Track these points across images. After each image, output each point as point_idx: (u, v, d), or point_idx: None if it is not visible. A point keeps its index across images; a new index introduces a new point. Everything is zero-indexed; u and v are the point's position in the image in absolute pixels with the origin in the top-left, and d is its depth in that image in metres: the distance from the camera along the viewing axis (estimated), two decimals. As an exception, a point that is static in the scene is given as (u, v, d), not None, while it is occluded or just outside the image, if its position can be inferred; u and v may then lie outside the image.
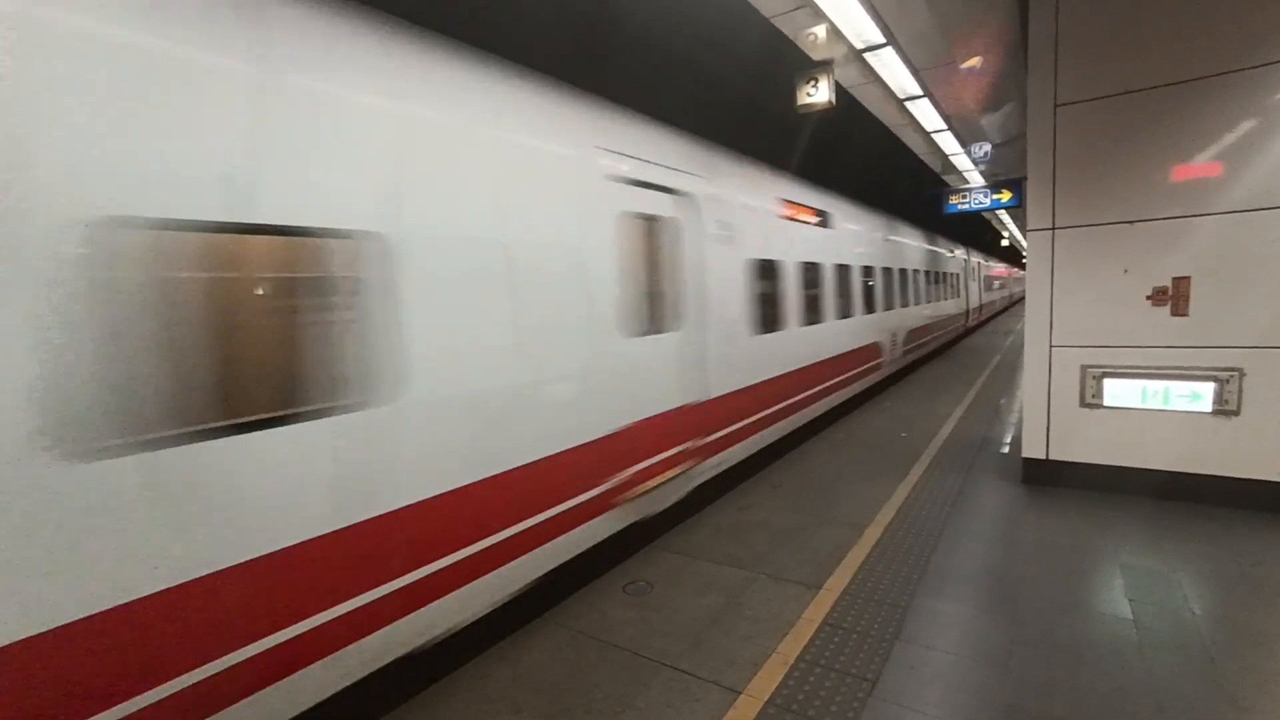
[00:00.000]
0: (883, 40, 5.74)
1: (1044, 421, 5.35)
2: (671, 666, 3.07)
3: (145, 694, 2.02)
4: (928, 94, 7.43)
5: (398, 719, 2.82)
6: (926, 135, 9.89)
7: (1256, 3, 4.34)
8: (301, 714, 2.48)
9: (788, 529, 4.71)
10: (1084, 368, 5.15)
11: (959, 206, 12.26)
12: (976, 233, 27.53)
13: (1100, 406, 5.11)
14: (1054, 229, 5.21)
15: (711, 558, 4.27)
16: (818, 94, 6.01)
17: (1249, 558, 3.90)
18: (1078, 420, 5.22)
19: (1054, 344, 5.27)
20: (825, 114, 6.31)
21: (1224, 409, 4.67)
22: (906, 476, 5.84)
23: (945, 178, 13.63)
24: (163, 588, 2.04)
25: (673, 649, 3.22)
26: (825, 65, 5.98)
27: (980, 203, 11.47)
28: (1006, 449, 6.62)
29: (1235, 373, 4.60)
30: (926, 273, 14.45)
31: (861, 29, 5.58)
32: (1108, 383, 5.08)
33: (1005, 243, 30.46)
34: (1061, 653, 3.02)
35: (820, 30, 5.61)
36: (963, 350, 16.78)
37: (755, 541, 4.51)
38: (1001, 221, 24.35)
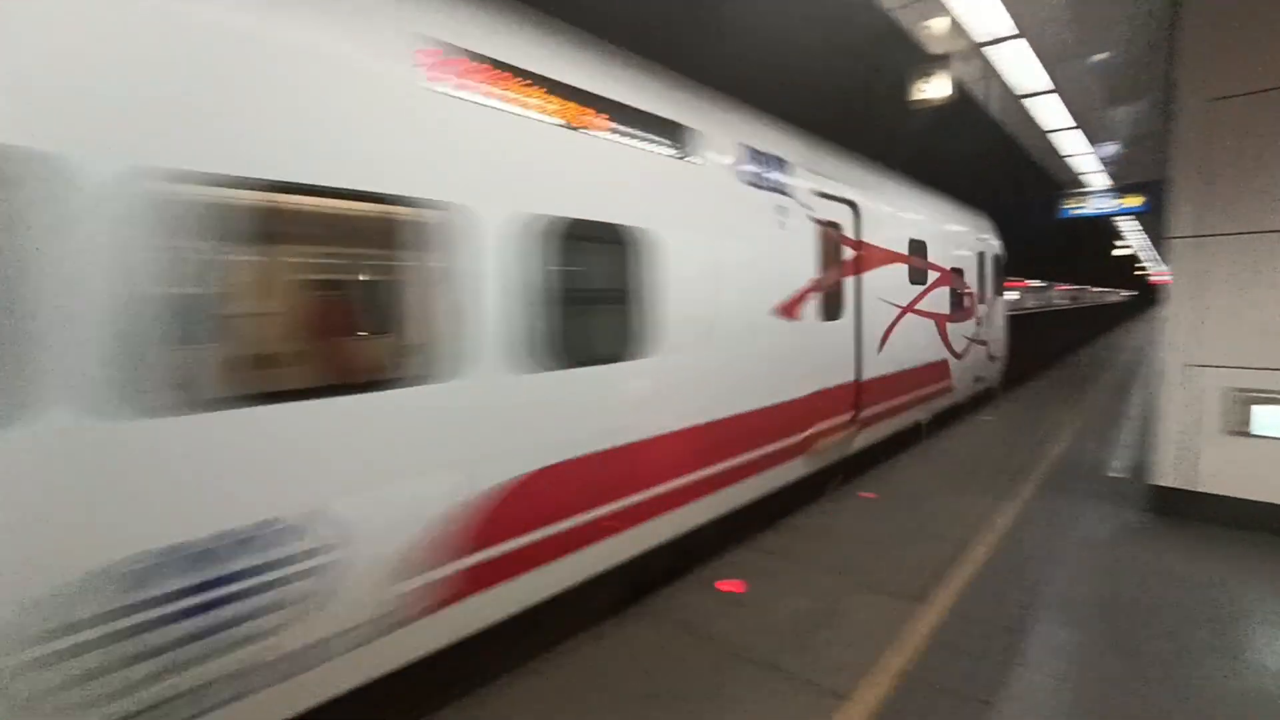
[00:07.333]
0: (1013, 31, 5.41)
1: (1179, 448, 4.88)
2: (772, 665, 3.04)
3: None
4: (1057, 89, 6.94)
5: (497, 691, 2.92)
6: (1042, 134, 9.26)
7: None
8: None
9: (883, 540, 4.55)
10: (1230, 390, 4.66)
11: (1072, 211, 11.41)
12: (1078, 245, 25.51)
13: (1246, 434, 4.62)
14: (1200, 236, 4.74)
15: (803, 561, 4.19)
16: (933, 88, 5.75)
17: None
18: (1218, 448, 4.73)
19: (1194, 363, 4.80)
20: (937, 110, 6.05)
21: (1406, 445, 4.11)
22: (1013, 496, 5.50)
23: (1061, 181, 12.72)
24: None
25: (769, 647, 3.19)
26: (943, 59, 5.72)
27: (1101, 208, 10.60)
28: (1127, 474, 6.11)
29: None
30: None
31: (988, 20, 5.28)
32: (1256, 410, 4.58)
33: (1124, 252, 28.04)
34: (1199, 701, 2.76)
35: (940, 22, 5.36)
36: (1068, 365, 15.60)
37: (849, 550, 4.38)
38: (1115, 230, 22.44)
